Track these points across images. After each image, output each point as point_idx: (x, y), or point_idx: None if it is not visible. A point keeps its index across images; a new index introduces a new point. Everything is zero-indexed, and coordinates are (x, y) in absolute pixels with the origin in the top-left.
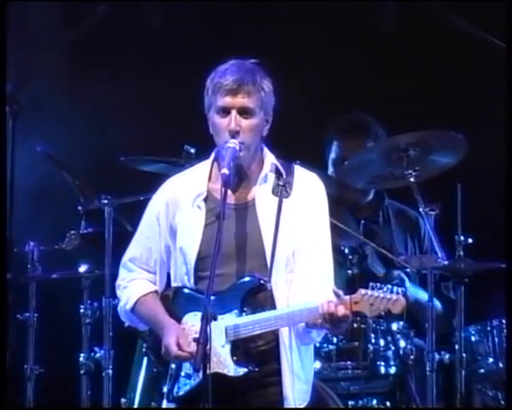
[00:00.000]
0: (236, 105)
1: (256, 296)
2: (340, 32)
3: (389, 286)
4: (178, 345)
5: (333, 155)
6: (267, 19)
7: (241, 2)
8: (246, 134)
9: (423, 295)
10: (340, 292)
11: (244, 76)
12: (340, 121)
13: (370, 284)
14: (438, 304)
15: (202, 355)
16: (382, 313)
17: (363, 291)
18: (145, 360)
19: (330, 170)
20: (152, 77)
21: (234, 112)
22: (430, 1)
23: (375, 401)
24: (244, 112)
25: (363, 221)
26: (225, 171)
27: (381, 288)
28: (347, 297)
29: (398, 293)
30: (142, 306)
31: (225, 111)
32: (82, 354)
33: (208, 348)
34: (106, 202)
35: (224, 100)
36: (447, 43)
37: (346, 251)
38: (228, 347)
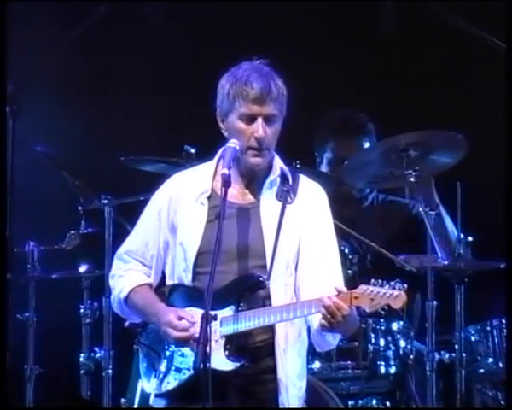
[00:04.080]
0: (263, 113)
1: (254, 293)
2: (340, 32)
3: (391, 283)
4: (180, 318)
5: (329, 155)
6: (266, 19)
7: (240, 2)
8: (270, 140)
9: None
10: (344, 289)
11: (269, 83)
12: (334, 120)
13: (372, 280)
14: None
15: (203, 355)
16: (382, 310)
17: (364, 287)
18: None
19: (326, 169)
20: (152, 77)
21: (260, 119)
22: (430, 1)
23: (374, 401)
24: (269, 119)
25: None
26: (225, 171)
27: (382, 284)
28: (348, 291)
29: (400, 289)
30: (136, 295)
31: (250, 118)
32: (82, 355)
33: (208, 348)
34: (106, 202)
35: (251, 108)
36: (447, 43)
37: (346, 251)
38: (221, 341)
